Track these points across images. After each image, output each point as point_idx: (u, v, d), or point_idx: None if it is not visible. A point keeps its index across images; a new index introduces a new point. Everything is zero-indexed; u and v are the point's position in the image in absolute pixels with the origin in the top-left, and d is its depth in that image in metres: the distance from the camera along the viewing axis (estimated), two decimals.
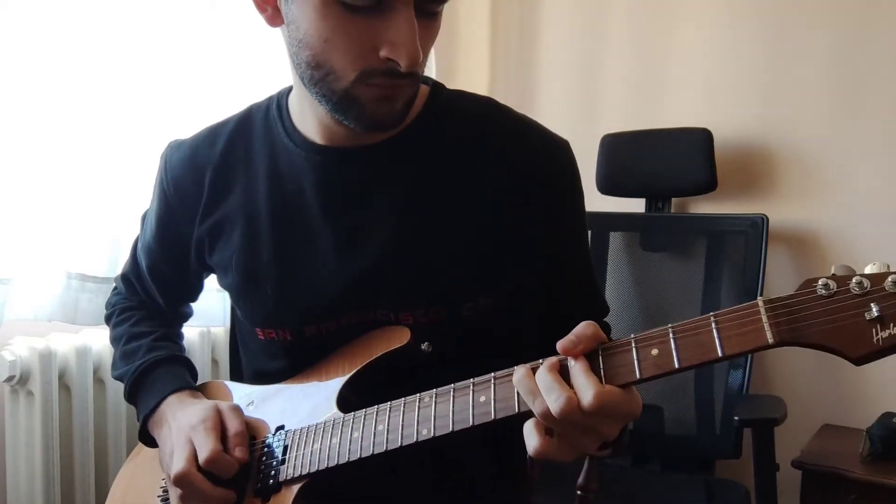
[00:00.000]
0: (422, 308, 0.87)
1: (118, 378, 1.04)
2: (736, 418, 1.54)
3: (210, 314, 1.66)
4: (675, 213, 2.04)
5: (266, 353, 0.98)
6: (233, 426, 0.88)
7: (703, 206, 2.08)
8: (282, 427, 0.89)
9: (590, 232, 1.97)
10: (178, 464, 0.85)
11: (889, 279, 0.58)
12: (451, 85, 0.97)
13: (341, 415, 0.83)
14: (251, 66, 1.78)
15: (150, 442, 0.97)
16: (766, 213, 1.84)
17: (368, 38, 0.76)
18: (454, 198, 0.88)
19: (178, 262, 1.03)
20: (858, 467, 1.63)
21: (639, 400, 0.67)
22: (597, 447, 0.68)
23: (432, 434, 0.73)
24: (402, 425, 0.76)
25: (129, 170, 1.61)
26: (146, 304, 1.12)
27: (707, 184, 1.91)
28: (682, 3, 2.09)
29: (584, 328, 0.68)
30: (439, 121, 0.91)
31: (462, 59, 2.33)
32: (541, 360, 0.69)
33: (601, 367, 0.66)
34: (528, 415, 0.68)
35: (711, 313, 0.64)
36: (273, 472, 0.85)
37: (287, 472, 0.84)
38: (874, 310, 0.58)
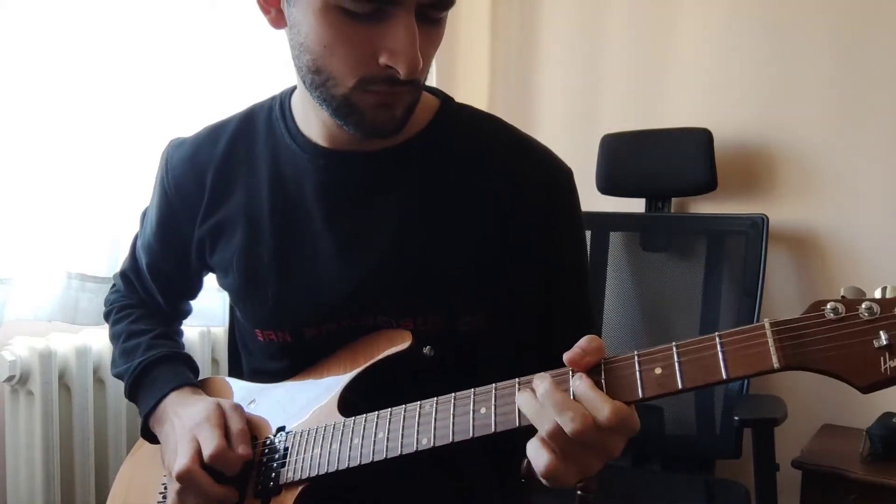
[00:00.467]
0: (420, 317, 0.87)
1: (118, 376, 1.04)
2: (736, 418, 1.53)
3: (210, 314, 1.66)
4: (675, 213, 2.03)
5: (266, 354, 0.98)
6: (236, 424, 0.88)
7: (703, 206, 2.08)
8: (283, 428, 0.89)
9: (590, 232, 1.99)
10: (181, 459, 0.85)
11: None
12: (450, 85, 0.97)
13: (342, 419, 0.83)
14: (250, 66, 1.78)
15: (153, 438, 0.97)
16: (766, 213, 1.84)
17: (368, 44, 0.75)
18: (455, 211, 0.89)
19: (179, 260, 1.03)
20: (858, 467, 1.62)
21: (636, 415, 0.67)
22: (602, 465, 0.67)
23: (432, 444, 0.73)
24: (402, 433, 0.75)
25: (128, 169, 1.61)
26: (145, 302, 1.12)
27: (707, 184, 1.91)
28: (682, 4, 2.09)
29: (588, 342, 0.67)
30: (446, 134, 0.91)
31: (462, 60, 2.33)
32: (545, 375, 0.69)
33: (603, 382, 0.66)
34: (529, 427, 0.68)
35: (717, 333, 0.63)
36: (273, 473, 0.85)
37: (287, 475, 0.84)
38: (883, 338, 0.57)
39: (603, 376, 0.66)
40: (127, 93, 1.60)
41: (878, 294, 0.59)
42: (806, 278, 1.96)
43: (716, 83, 2.05)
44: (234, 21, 1.75)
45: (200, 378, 1.03)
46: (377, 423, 0.78)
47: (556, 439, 0.65)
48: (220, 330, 1.78)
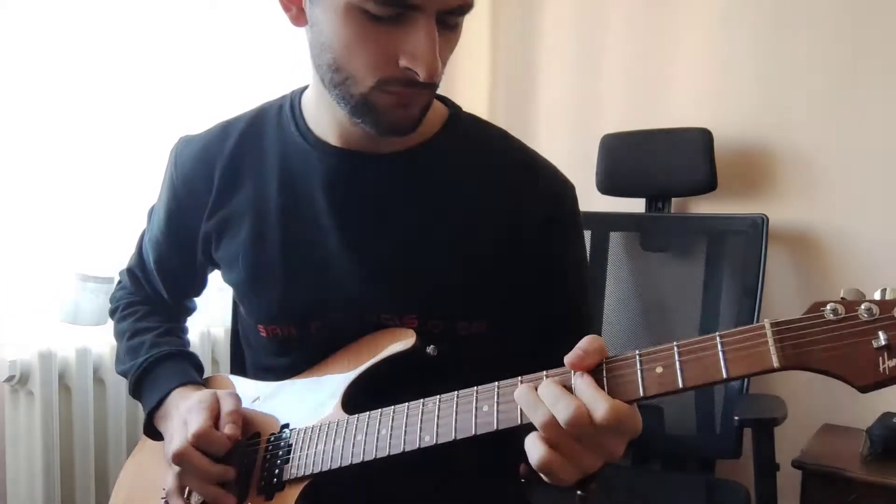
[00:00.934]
0: (422, 318, 0.89)
1: (122, 373, 1.05)
2: (736, 418, 1.54)
3: (210, 314, 1.67)
4: (675, 213, 2.04)
5: (269, 350, 0.98)
6: (227, 406, 0.89)
7: (703, 206, 2.08)
8: (287, 425, 0.90)
9: (590, 232, 1.99)
10: (176, 442, 0.86)
11: None
12: (450, 85, 0.98)
13: (345, 416, 0.84)
14: (252, 66, 1.78)
15: (156, 436, 0.98)
16: (766, 213, 1.84)
17: (389, 47, 0.76)
18: (459, 219, 0.90)
19: (185, 255, 1.03)
20: (858, 467, 1.63)
21: (640, 416, 0.67)
22: (601, 465, 0.67)
23: (434, 441, 0.74)
24: (405, 431, 0.76)
25: (129, 170, 1.61)
26: (151, 299, 1.12)
27: (707, 184, 1.91)
28: (682, 4, 2.09)
29: (589, 342, 0.67)
30: (455, 143, 0.93)
31: (463, 60, 2.33)
32: (544, 373, 0.69)
33: (605, 382, 0.66)
34: (531, 426, 0.68)
35: (717, 333, 0.63)
36: (277, 470, 0.86)
37: (291, 471, 0.84)
38: (882, 338, 0.57)
39: (605, 375, 0.67)
40: (124, 93, 1.61)
41: (877, 295, 0.59)
42: (806, 278, 1.97)
43: (716, 83, 2.05)
44: (236, 21, 1.75)
45: (204, 376, 1.04)
46: (380, 420, 0.79)
47: (550, 430, 0.65)
48: (221, 330, 1.79)
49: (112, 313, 1.14)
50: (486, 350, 0.91)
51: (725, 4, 2.03)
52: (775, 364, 0.60)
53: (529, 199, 0.91)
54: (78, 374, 1.54)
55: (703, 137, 1.92)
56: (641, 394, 0.65)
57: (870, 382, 0.58)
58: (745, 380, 1.74)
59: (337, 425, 0.83)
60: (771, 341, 0.60)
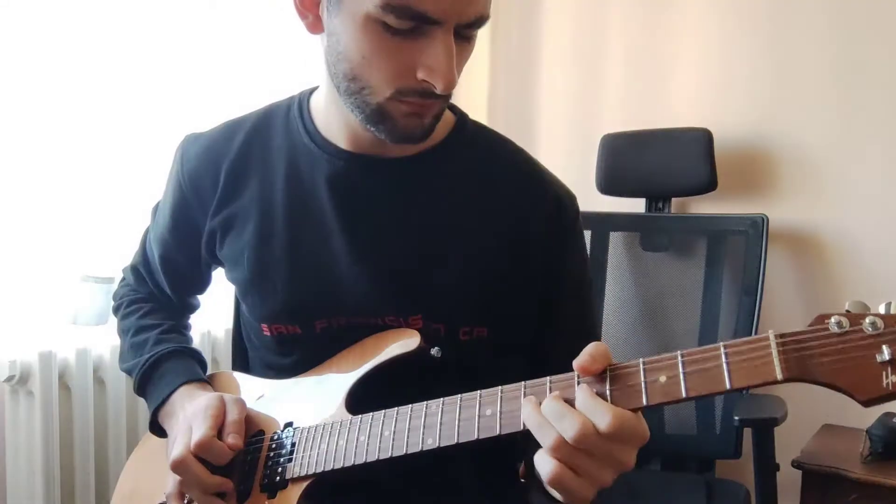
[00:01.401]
0: (424, 322, 0.89)
1: (126, 371, 1.05)
2: (736, 418, 1.54)
3: (210, 314, 1.66)
4: (675, 213, 2.04)
5: (273, 349, 0.98)
6: (232, 415, 0.89)
7: (703, 206, 2.08)
8: (290, 423, 0.90)
9: (590, 232, 1.99)
10: (176, 450, 0.86)
11: None
12: None
13: (349, 416, 0.84)
14: (255, 66, 1.78)
15: (161, 433, 0.98)
16: (766, 213, 1.84)
17: (407, 59, 0.77)
18: (463, 226, 0.91)
19: (190, 252, 1.03)
20: (858, 467, 1.63)
21: (644, 423, 0.67)
22: (615, 477, 0.67)
23: (437, 444, 0.74)
24: (408, 433, 0.76)
25: (130, 170, 1.61)
26: (154, 296, 1.12)
27: (707, 184, 1.91)
28: (682, 4, 2.09)
29: (596, 347, 0.68)
30: (461, 150, 0.94)
31: None
32: (548, 379, 0.70)
33: (608, 389, 0.66)
34: None
35: (721, 343, 0.63)
36: (280, 468, 0.86)
37: (294, 469, 0.85)
38: (885, 352, 0.57)
39: (608, 383, 0.67)
40: (124, 94, 1.61)
41: (881, 309, 0.59)
42: (806, 278, 1.97)
43: (716, 83, 2.05)
44: (236, 20, 1.75)
45: (209, 373, 1.04)
46: (384, 421, 0.79)
47: (560, 450, 0.65)
48: (221, 330, 1.79)
49: (115, 310, 1.14)
50: (488, 355, 0.92)
51: (725, 4, 2.03)
52: (779, 376, 0.60)
53: (533, 206, 0.92)
54: (78, 374, 1.54)
55: (703, 137, 1.92)
56: (645, 402, 0.65)
57: (873, 397, 0.58)
58: None
59: (340, 425, 0.83)
60: (775, 353, 0.60)
